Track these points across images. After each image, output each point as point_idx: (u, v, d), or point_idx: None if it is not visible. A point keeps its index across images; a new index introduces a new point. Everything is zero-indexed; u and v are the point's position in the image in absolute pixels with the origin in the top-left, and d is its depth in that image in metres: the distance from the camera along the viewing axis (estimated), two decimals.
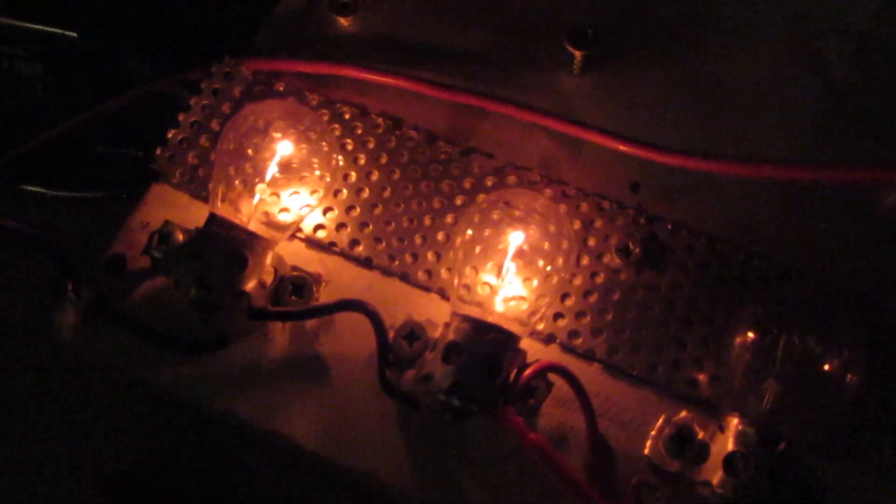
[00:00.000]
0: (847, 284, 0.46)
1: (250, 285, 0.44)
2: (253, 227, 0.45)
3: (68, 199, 0.61)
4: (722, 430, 0.41)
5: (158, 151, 0.51)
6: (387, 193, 0.49)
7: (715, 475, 0.41)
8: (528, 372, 0.41)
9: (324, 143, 0.48)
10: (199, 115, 0.52)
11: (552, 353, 0.46)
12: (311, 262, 0.48)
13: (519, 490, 0.43)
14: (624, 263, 0.47)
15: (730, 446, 0.40)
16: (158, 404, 0.56)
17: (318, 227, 0.49)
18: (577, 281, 0.47)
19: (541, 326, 0.46)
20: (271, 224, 0.46)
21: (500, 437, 0.43)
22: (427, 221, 0.48)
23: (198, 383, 0.45)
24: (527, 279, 0.43)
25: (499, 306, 0.43)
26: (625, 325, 0.46)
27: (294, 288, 0.46)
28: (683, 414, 0.43)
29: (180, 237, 0.45)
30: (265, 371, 0.45)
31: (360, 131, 0.51)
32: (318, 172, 0.47)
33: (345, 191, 0.49)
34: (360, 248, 0.48)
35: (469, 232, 0.45)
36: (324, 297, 0.47)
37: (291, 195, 0.47)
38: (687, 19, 0.55)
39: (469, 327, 0.42)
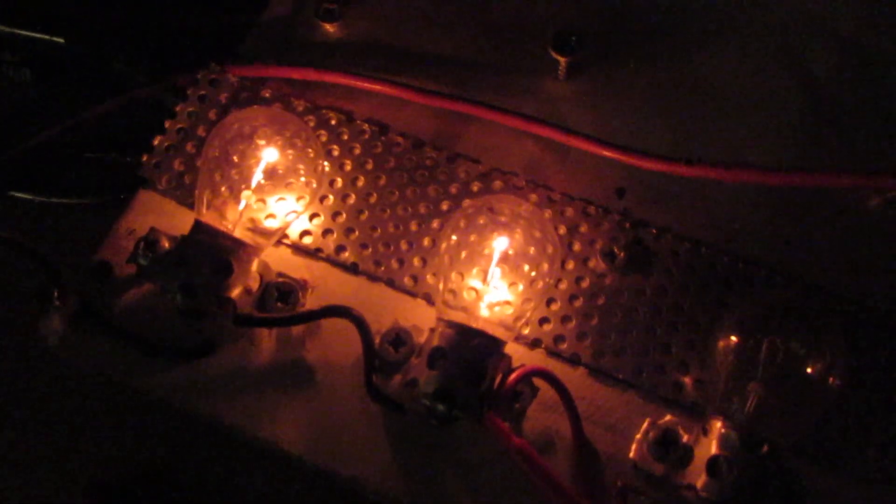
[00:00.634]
0: (831, 288, 0.47)
1: (236, 292, 0.44)
2: (239, 233, 0.45)
3: (55, 204, 0.61)
4: (706, 433, 0.42)
5: (145, 158, 0.51)
6: (373, 199, 0.49)
7: (699, 478, 0.41)
8: (513, 377, 0.41)
9: (310, 150, 0.48)
10: (186, 122, 0.52)
11: (537, 358, 0.46)
12: (298, 268, 0.48)
13: (505, 494, 0.43)
14: (609, 268, 0.47)
15: (713, 450, 0.41)
16: (147, 411, 0.56)
17: (305, 233, 0.49)
18: (563, 285, 0.47)
19: (526, 331, 0.46)
20: (257, 230, 0.46)
21: (485, 442, 0.43)
22: (413, 227, 0.49)
23: (184, 389, 0.45)
24: (512, 284, 0.44)
25: (484, 311, 0.43)
26: (610, 330, 0.46)
27: (280, 294, 0.46)
28: (668, 417, 0.43)
29: (166, 244, 0.46)
30: (252, 377, 0.45)
31: (346, 137, 0.51)
32: (304, 178, 0.47)
33: (331, 197, 0.49)
34: (347, 253, 0.48)
35: (454, 237, 0.45)
36: (310, 302, 0.47)
37: (277, 201, 0.47)
38: (672, 25, 0.55)
39: (454, 333, 0.42)
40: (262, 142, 0.47)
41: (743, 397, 0.41)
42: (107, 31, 0.64)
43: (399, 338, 0.44)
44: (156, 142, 0.51)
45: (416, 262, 0.48)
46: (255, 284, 0.46)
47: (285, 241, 0.49)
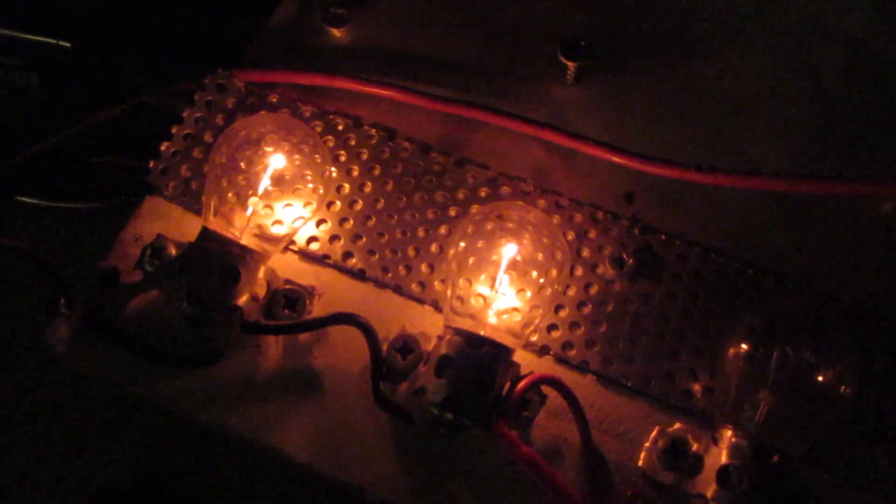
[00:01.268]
0: (842, 295, 0.46)
1: (243, 299, 0.44)
2: (246, 240, 0.45)
3: (62, 209, 0.61)
4: (716, 442, 0.41)
5: (152, 164, 0.51)
6: (380, 205, 0.49)
7: (709, 488, 0.40)
8: (521, 385, 0.41)
9: (317, 155, 0.48)
10: (193, 128, 0.52)
11: (546, 365, 0.45)
12: (305, 274, 0.48)
13: (513, 503, 0.43)
14: (618, 274, 0.47)
15: (723, 459, 0.40)
16: (154, 418, 0.56)
17: (312, 239, 0.48)
18: (571, 292, 0.47)
19: (534, 338, 0.46)
20: (264, 237, 0.46)
21: (494, 450, 0.43)
22: (420, 233, 0.48)
23: (191, 397, 0.45)
24: (520, 291, 0.43)
25: (492, 318, 0.43)
26: (619, 337, 0.46)
27: (287, 301, 0.46)
28: (678, 426, 0.43)
29: (173, 251, 0.45)
30: (258, 385, 0.45)
31: (353, 142, 0.51)
32: (311, 185, 0.47)
33: (338, 203, 0.49)
34: (354, 260, 0.48)
35: (462, 244, 0.45)
36: (317, 309, 0.47)
37: (284, 207, 0.46)
38: (680, 30, 0.55)
39: (462, 341, 0.41)
40: (269, 148, 0.47)
41: (753, 406, 0.41)
42: (114, 36, 0.64)
43: (407, 345, 0.44)
44: (163, 147, 0.51)
45: (424, 268, 0.48)
46: (261, 291, 0.46)
47: (292, 247, 0.48)
